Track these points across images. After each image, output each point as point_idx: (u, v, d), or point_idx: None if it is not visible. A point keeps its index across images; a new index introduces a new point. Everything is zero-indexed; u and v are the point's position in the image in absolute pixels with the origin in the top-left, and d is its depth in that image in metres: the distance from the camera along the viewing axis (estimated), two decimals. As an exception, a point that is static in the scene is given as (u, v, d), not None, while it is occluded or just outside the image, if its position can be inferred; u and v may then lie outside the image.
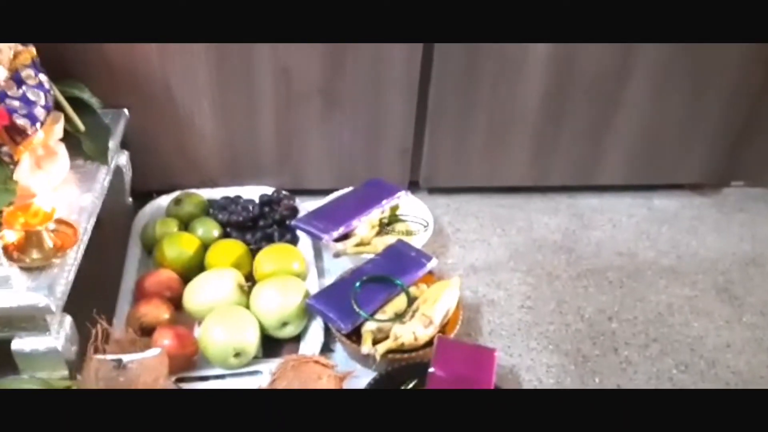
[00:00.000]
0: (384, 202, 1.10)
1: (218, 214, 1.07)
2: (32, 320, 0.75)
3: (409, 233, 1.08)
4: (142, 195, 1.14)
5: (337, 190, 1.18)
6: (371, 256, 1.01)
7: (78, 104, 0.97)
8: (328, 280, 1.03)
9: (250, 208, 1.09)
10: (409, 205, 1.14)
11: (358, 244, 1.04)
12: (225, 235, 1.06)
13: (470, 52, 1.09)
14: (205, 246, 1.02)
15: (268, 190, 1.15)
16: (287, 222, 1.09)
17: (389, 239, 1.05)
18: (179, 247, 0.99)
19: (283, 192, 1.13)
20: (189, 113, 1.10)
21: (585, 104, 1.17)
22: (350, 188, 1.16)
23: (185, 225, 1.06)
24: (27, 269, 0.75)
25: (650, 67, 1.14)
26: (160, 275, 0.95)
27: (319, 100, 1.12)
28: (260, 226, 1.08)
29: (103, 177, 0.92)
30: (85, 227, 0.83)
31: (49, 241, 0.77)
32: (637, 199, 1.29)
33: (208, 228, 1.04)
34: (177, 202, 1.09)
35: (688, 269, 1.13)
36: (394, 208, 1.12)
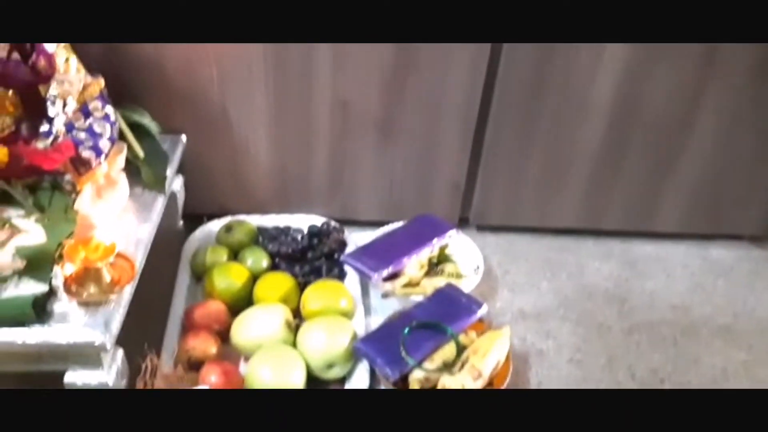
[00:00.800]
0: (435, 240, 1.08)
1: (268, 244, 1.06)
2: (86, 355, 0.75)
3: (458, 276, 1.06)
4: (193, 217, 1.14)
5: (386, 221, 1.16)
6: (420, 297, 1.00)
7: (138, 129, 0.98)
8: (375, 318, 1.01)
9: (299, 239, 1.09)
10: (459, 244, 1.12)
11: (406, 285, 1.02)
12: (273, 265, 1.05)
13: (531, 92, 1.07)
14: (254, 277, 1.01)
15: (317, 220, 1.14)
16: (336, 255, 1.08)
17: (438, 281, 1.03)
18: (229, 278, 0.99)
19: (333, 224, 1.12)
20: (244, 140, 1.09)
21: (645, 149, 1.14)
22: (400, 222, 1.15)
23: (235, 253, 1.06)
24: (84, 304, 0.75)
25: (716, 113, 1.10)
26: (209, 307, 0.95)
27: (374, 133, 1.11)
28: (309, 259, 1.07)
29: (159, 207, 0.92)
30: (141, 261, 0.83)
31: (107, 276, 0.77)
32: (693, 248, 1.26)
33: (258, 258, 1.04)
34: (228, 229, 1.08)
35: (744, 329, 1.09)
36: (444, 247, 1.11)
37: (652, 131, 1.12)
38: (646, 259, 1.22)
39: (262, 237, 1.10)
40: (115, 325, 0.75)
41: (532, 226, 1.24)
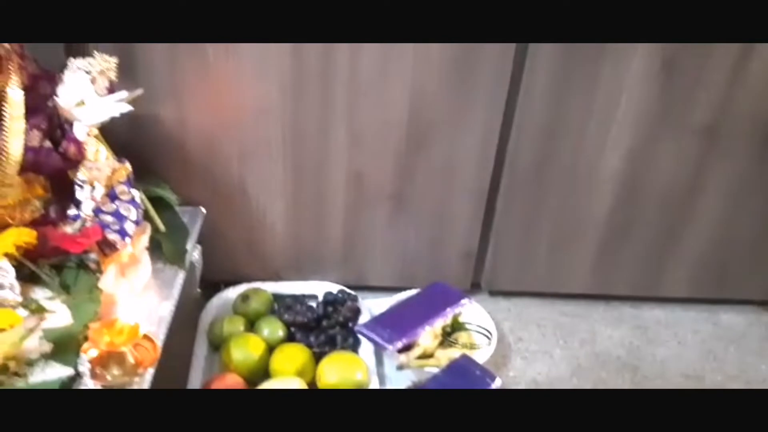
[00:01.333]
0: (448, 310, 1.10)
1: (284, 314, 1.08)
2: (108, 437, 0.76)
3: (472, 347, 1.07)
4: (210, 284, 1.16)
5: (399, 288, 1.18)
6: (435, 369, 1.01)
7: (159, 203, 1.00)
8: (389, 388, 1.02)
9: (315, 307, 1.10)
10: (472, 311, 1.14)
11: (421, 356, 1.04)
12: (289, 335, 1.07)
13: (540, 165, 1.10)
14: (270, 347, 1.03)
15: (332, 287, 1.16)
16: (350, 324, 1.09)
17: (453, 352, 1.04)
18: (246, 350, 1.00)
19: (347, 292, 1.14)
20: (262, 211, 1.12)
21: (653, 217, 1.16)
22: (413, 290, 1.17)
23: (251, 323, 1.08)
24: (107, 387, 0.77)
25: (724, 182, 1.12)
26: (227, 381, 0.96)
27: (388, 204, 1.13)
28: (323, 327, 1.08)
29: (180, 282, 0.94)
30: (162, 339, 0.85)
31: (131, 358, 0.78)
32: (703, 313, 1.26)
33: (274, 329, 1.06)
34: (244, 299, 1.10)
35: (757, 398, 1.09)
36: (457, 315, 1.12)
37: (659, 202, 1.14)
38: (657, 324, 1.23)
39: (277, 305, 1.11)
40: (138, 408, 0.76)
41: (543, 291, 1.25)
